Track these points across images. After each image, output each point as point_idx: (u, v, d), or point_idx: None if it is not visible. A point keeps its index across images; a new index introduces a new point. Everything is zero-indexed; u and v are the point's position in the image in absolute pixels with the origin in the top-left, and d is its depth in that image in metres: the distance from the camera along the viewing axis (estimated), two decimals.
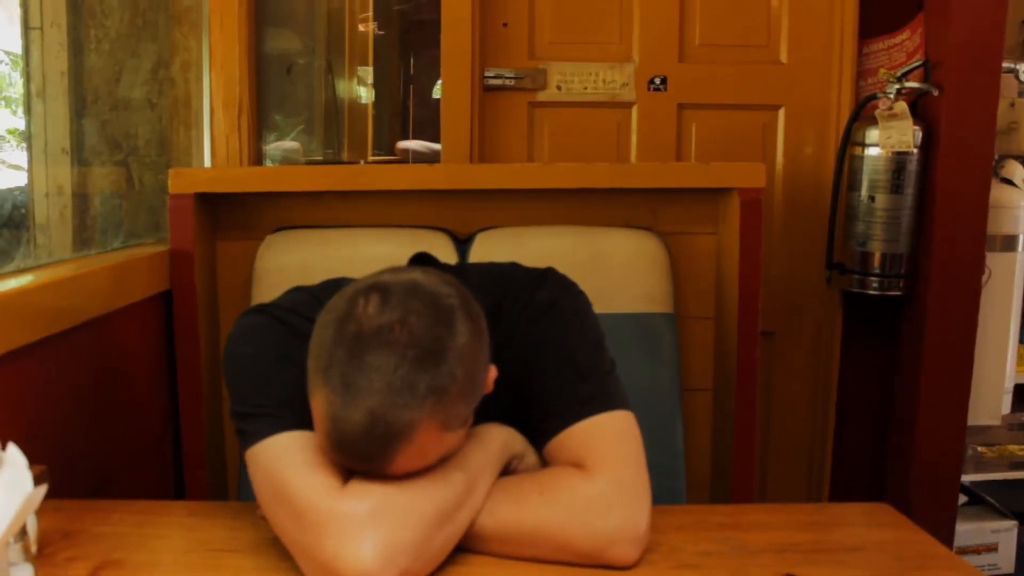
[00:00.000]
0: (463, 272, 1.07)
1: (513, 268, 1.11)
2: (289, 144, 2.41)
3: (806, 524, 1.08)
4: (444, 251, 1.57)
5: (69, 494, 1.09)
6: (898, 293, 2.10)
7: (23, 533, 0.76)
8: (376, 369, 0.80)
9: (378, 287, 0.85)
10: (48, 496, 0.73)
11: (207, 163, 2.08)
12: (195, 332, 1.56)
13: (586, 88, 2.22)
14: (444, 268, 1.10)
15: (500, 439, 0.97)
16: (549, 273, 1.08)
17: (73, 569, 0.91)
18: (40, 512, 0.80)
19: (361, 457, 0.83)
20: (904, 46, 2.13)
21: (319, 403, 0.83)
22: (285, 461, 0.89)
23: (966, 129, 2.02)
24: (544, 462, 0.99)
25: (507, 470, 0.97)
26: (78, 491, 1.23)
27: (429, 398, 0.81)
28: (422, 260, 1.11)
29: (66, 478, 1.15)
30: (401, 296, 0.84)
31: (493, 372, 0.92)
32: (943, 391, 2.09)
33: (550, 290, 1.05)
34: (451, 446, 0.89)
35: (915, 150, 2.03)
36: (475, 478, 0.91)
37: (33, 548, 0.80)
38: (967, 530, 2.26)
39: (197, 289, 1.56)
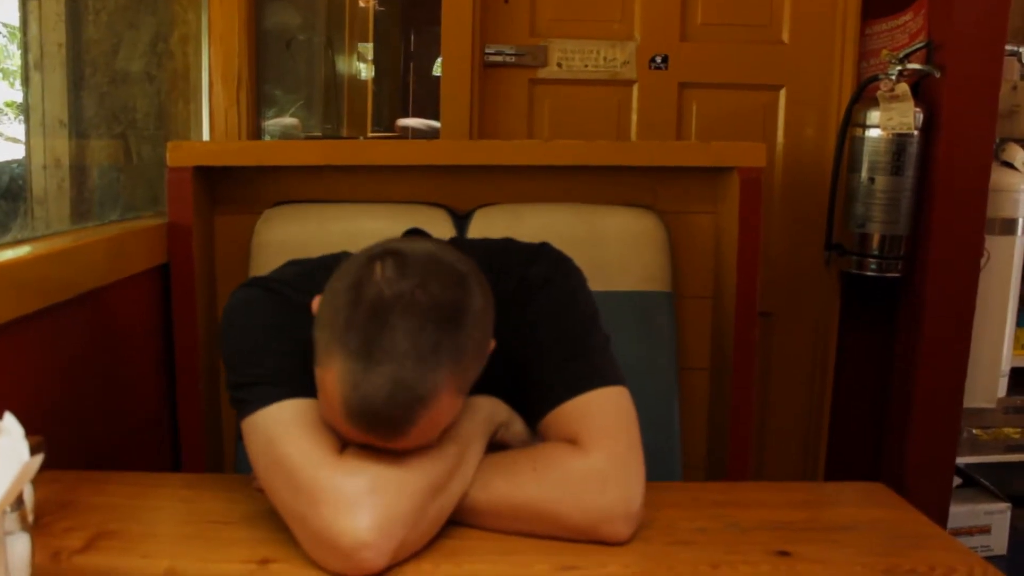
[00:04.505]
0: (457, 247, 1.06)
1: (508, 243, 1.11)
2: (288, 120, 2.40)
3: (801, 502, 1.08)
4: (443, 227, 1.57)
5: (66, 466, 1.09)
6: (896, 275, 2.10)
7: (20, 502, 0.76)
8: (400, 333, 0.80)
9: (392, 252, 0.85)
10: (44, 468, 0.73)
11: (206, 137, 2.07)
12: (192, 305, 1.56)
13: (587, 66, 2.21)
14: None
15: (485, 409, 0.97)
16: (544, 248, 1.08)
17: (70, 539, 0.91)
18: (37, 482, 0.80)
19: (381, 425, 0.81)
20: (907, 27, 2.11)
21: (335, 372, 0.82)
22: (282, 431, 0.89)
23: (967, 112, 2.02)
24: (535, 433, 0.99)
25: (494, 439, 0.97)
26: (75, 463, 1.23)
27: (451, 360, 0.82)
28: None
29: (63, 450, 1.15)
30: (417, 261, 0.84)
31: (492, 345, 0.92)
32: (940, 373, 2.09)
33: (544, 265, 1.04)
34: (454, 418, 0.89)
35: (916, 132, 2.02)
36: (465, 448, 0.92)
37: (30, 518, 0.80)
38: (961, 512, 2.27)
39: (195, 262, 1.56)
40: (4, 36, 1.74)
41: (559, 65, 2.21)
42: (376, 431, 0.82)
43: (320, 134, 2.64)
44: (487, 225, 1.58)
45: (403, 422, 0.81)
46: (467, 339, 0.84)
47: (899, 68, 2.01)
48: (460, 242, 1.29)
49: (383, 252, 0.85)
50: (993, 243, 2.12)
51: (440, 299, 0.82)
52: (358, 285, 0.83)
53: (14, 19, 1.63)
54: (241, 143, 1.97)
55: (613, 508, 0.91)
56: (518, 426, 1.00)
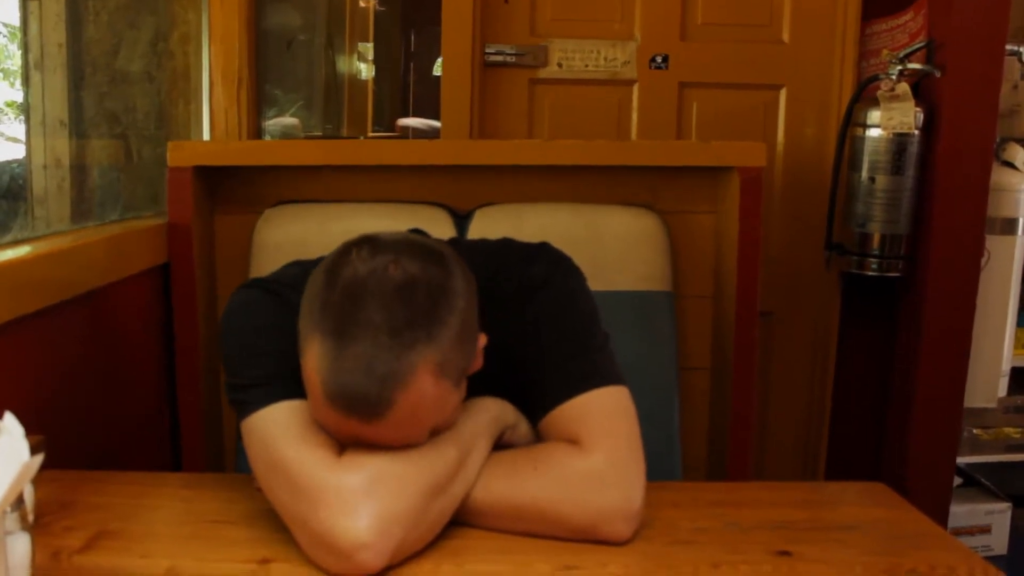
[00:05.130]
0: (456, 247, 1.06)
1: (506, 243, 1.10)
2: (288, 120, 2.40)
3: (801, 502, 1.08)
4: (443, 227, 1.57)
5: (66, 465, 1.09)
6: (897, 275, 2.10)
7: (20, 502, 0.76)
8: (372, 308, 0.80)
9: (368, 238, 0.86)
10: (44, 467, 0.73)
11: (206, 137, 2.07)
12: (193, 305, 1.56)
13: (587, 66, 2.21)
14: None
15: (491, 410, 0.97)
16: (543, 248, 1.07)
17: (70, 539, 0.91)
18: (37, 482, 0.80)
19: (358, 404, 0.81)
20: (907, 27, 2.11)
21: (313, 354, 0.82)
22: (281, 431, 0.89)
23: (968, 111, 2.01)
24: (538, 436, 0.99)
25: (500, 441, 0.97)
26: (75, 463, 1.23)
27: (428, 337, 0.81)
28: None
29: (63, 450, 1.15)
30: (393, 243, 0.85)
31: (483, 339, 0.92)
32: (940, 373, 2.09)
33: (544, 265, 1.04)
34: (445, 411, 0.88)
35: (916, 132, 2.02)
36: (468, 450, 0.91)
37: (30, 517, 0.80)
38: (961, 511, 2.27)
39: (195, 262, 1.56)
40: (4, 36, 1.74)
41: (559, 65, 2.21)
42: (354, 411, 0.81)
43: (320, 134, 2.64)
44: (487, 225, 1.58)
45: (380, 400, 0.80)
46: (446, 317, 0.83)
47: (899, 68, 2.01)
48: (459, 243, 1.29)
49: (359, 239, 0.86)
50: (994, 242, 2.11)
51: (415, 274, 0.82)
52: (334, 268, 0.84)
53: (14, 19, 1.63)
54: (241, 143, 1.97)
55: (614, 508, 0.91)
56: (524, 428, 1.00)
